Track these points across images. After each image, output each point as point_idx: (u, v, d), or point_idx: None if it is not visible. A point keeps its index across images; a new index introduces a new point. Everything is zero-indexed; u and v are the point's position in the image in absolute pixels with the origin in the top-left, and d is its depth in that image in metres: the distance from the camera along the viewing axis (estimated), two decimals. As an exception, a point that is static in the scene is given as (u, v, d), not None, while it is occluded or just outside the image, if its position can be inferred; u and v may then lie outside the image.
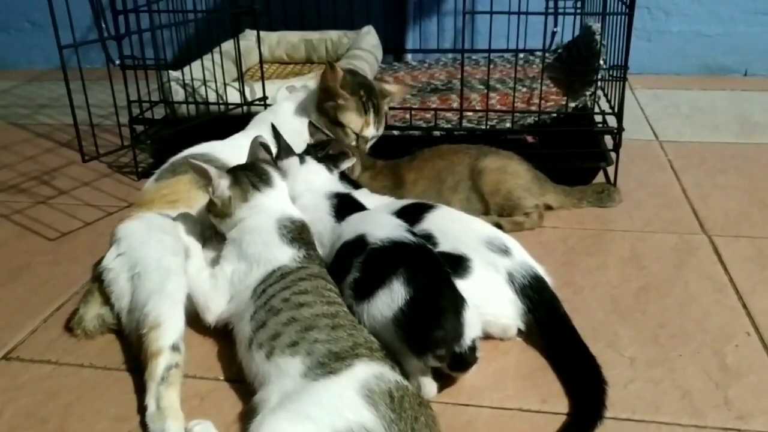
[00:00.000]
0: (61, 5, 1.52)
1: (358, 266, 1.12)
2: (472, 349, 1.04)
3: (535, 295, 1.18)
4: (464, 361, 1.04)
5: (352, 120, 1.64)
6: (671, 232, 1.58)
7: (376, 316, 1.07)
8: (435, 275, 1.08)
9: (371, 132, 1.67)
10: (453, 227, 1.25)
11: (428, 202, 1.34)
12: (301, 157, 1.39)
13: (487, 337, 1.19)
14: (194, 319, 1.25)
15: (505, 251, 1.21)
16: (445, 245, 1.21)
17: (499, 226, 1.55)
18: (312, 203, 1.32)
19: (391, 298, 1.05)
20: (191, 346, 1.20)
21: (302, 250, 1.20)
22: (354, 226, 1.22)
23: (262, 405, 0.99)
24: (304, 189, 1.35)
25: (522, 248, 1.25)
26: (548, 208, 1.65)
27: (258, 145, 1.36)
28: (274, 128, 1.51)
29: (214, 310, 1.21)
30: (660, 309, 1.30)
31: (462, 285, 1.11)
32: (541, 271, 1.22)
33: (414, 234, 1.18)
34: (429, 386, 1.07)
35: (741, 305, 1.31)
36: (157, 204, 1.37)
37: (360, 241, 1.16)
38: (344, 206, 1.30)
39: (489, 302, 1.17)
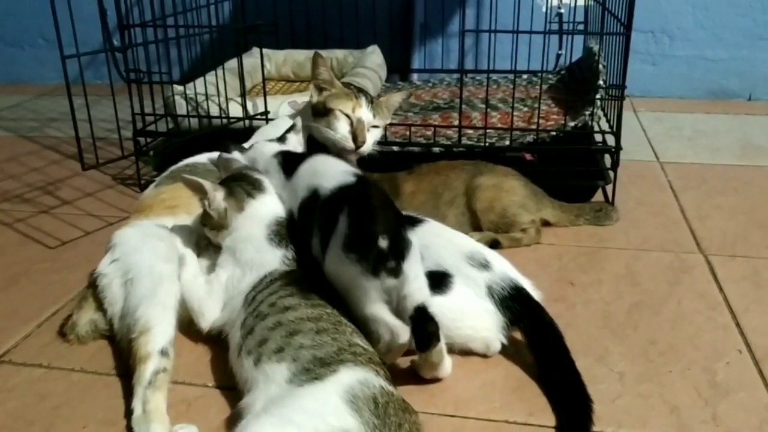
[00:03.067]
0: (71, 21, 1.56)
1: (317, 227, 1.17)
2: (425, 314, 1.05)
3: (516, 306, 1.18)
4: (424, 328, 1.05)
5: (341, 102, 1.60)
6: (667, 250, 1.58)
7: (334, 261, 1.10)
8: (371, 197, 1.11)
9: (364, 114, 1.60)
10: (436, 242, 1.26)
11: (416, 216, 1.35)
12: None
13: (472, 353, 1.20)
14: (186, 325, 1.26)
15: (484, 265, 1.22)
16: (428, 260, 1.21)
17: (496, 242, 1.56)
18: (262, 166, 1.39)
19: (339, 234, 1.08)
20: (182, 352, 1.21)
21: (290, 250, 1.22)
22: (306, 180, 1.27)
23: (247, 410, 1.00)
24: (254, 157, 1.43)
25: (505, 262, 1.25)
26: (546, 223, 1.66)
27: (227, 160, 1.38)
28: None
29: (209, 317, 1.22)
30: (652, 326, 1.29)
31: (442, 301, 1.13)
32: (526, 283, 1.23)
33: (359, 175, 1.22)
34: (401, 330, 1.06)
35: (734, 324, 1.30)
36: (156, 209, 1.38)
37: (314, 196, 1.21)
38: (289, 161, 1.36)
39: (467, 316, 1.18)
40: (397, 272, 1.04)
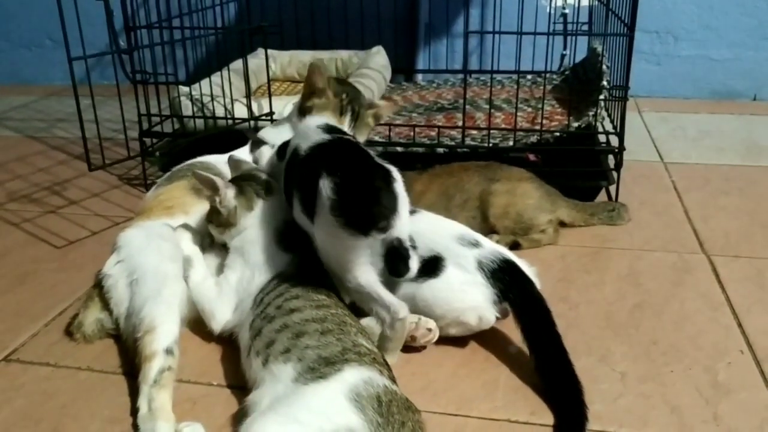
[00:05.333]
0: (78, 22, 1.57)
1: (296, 187, 1.19)
2: (401, 246, 1.12)
3: (506, 277, 1.20)
4: (399, 255, 1.11)
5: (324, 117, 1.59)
6: (670, 251, 1.58)
7: (322, 225, 1.12)
8: (352, 157, 1.15)
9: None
10: (427, 228, 1.28)
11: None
12: None
13: (477, 340, 1.23)
14: (193, 324, 1.27)
15: (474, 244, 1.25)
16: (421, 245, 1.23)
17: (516, 243, 1.57)
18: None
19: (324, 197, 1.08)
20: (187, 351, 1.22)
21: (297, 254, 1.23)
22: (291, 143, 1.30)
23: (253, 408, 1.01)
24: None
25: (499, 245, 1.29)
26: (561, 223, 1.66)
27: (236, 162, 1.39)
28: None
29: (220, 319, 1.24)
30: (654, 326, 1.30)
31: (433, 282, 1.19)
32: (521, 263, 1.24)
33: (334, 130, 1.25)
34: (398, 306, 1.12)
35: (736, 324, 1.30)
36: (156, 211, 1.40)
37: (294, 156, 1.24)
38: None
39: (455, 292, 1.21)
40: (386, 228, 1.08)
